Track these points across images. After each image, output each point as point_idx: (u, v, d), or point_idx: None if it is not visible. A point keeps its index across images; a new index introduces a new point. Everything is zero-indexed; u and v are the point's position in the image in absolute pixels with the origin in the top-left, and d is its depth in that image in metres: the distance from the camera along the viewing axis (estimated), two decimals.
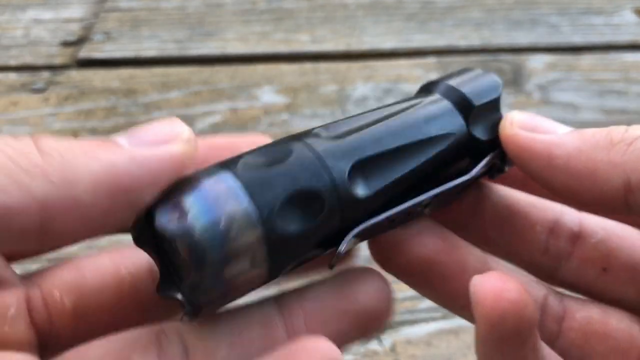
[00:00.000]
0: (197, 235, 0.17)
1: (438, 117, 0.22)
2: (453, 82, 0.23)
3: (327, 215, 0.19)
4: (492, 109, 0.23)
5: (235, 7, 0.64)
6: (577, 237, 0.23)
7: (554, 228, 0.23)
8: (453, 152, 0.22)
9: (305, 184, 0.19)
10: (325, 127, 0.21)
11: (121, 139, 0.18)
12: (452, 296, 0.23)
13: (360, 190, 0.20)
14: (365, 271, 0.21)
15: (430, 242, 0.22)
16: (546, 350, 0.22)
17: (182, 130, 0.19)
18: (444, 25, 0.61)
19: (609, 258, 0.23)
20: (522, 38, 0.60)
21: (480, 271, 0.22)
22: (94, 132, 0.51)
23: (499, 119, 0.23)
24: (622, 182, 0.19)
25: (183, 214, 0.17)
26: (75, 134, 0.51)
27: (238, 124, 0.52)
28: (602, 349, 0.23)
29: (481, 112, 0.23)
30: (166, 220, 0.17)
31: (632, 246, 0.23)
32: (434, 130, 0.22)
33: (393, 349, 0.38)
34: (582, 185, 0.20)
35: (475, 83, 0.23)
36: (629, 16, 0.62)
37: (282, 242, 0.18)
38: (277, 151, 0.19)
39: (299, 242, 0.19)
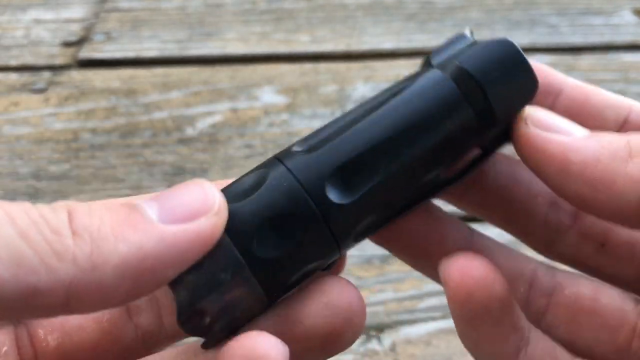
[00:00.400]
0: (211, 329, 0.18)
1: (432, 102, 0.20)
2: (473, 69, 0.20)
3: (313, 237, 0.19)
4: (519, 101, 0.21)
5: (236, 8, 0.64)
6: (577, 211, 0.23)
7: (555, 200, 0.23)
8: (451, 140, 0.20)
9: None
10: (304, 140, 0.20)
11: (151, 209, 0.17)
12: (434, 268, 0.23)
13: (344, 197, 0.19)
14: (318, 284, 0.19)
15: (414, 215, 0.22)
16: (532, 332, 0.22)
17: (214, 199, 0.18)
18: (443, 25, 0.61)
19: (608, 234, 0.23)
20: (522, 38, 0.60)
21: (463, 245, 0.23)
22: (94, 132, 0.51)
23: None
24: (638, 198, 0.19)
25: (202, 319, 0.18)
26: (75, 133, 0.51)
27: (238, 124, 0.52)
28: (590, 325, 0.23)
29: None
30: (188, 325, 0.18)
31: None
32: (429, 117, 0.20)
33: (393, 348, 0.38)
34: (596, 195, 0.19)
35: (504, 81, 0.20)
36: (628, 16, 0.62)
37: (280, 289, 0.19)
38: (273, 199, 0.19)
39: (294, 272, 0.19)
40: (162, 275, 0.17)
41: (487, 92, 0.20)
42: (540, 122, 0.21)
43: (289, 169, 0.19)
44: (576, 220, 0.23)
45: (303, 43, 0.60)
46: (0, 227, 0.15)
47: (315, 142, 0.20)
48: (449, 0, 0.64)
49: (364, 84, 0.55)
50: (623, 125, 0.23)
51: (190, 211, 0.17)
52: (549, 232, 0.24)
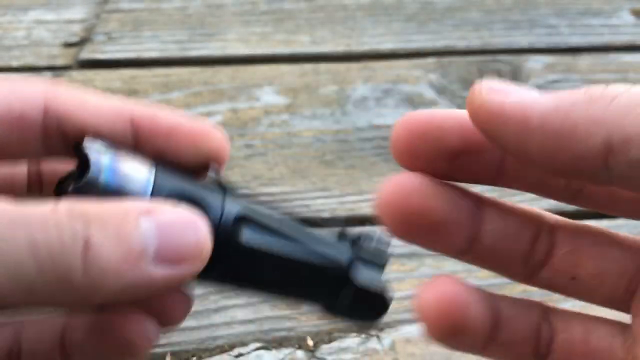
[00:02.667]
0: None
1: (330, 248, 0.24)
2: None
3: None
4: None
5: (236, 8, 0.65)
6: (551, 247, 0.23)
7: (535, 237, 0.23)
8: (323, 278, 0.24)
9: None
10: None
11: (152, 244, 0.19)
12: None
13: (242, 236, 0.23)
14: None
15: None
16: None
17: (203, 248, 0.20)
18: (443, 26, 0.61)
19: (576, 268, 0.23)
20: (521, 39, 0.60)
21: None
22: None
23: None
24: (602, 141, 0.19)
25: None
26: None
27: (238, 124, 0.53)
28: None
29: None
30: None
31: (599, 256, 0.23)
32: (322, 250, 0.24)
33: (392, 347, 0.39)
34: (559, 145, 0.19)
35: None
36: (627, 17, 0.62)
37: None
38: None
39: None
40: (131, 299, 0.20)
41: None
42: (495, 89, 0.21)
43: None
44: (548, 259, 0.23)
45: (303, 44, 0.60)
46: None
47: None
48: (448, 0, 0.64)
49: (364, 85, 0.56)
50: None
51: (181, 256, 0.20)
52: (529, 269, 0.24)
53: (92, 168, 0.21)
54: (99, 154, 0.21)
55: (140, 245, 0.19)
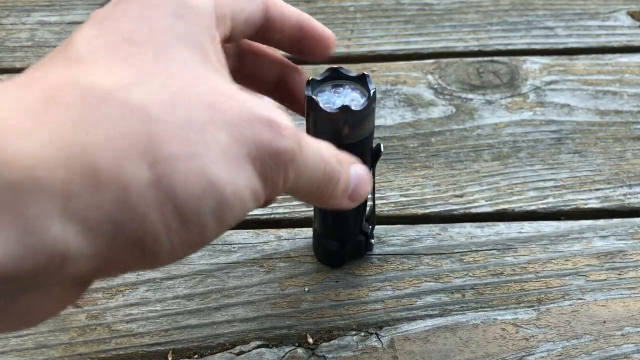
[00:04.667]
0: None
1: None
2: None
3: None
4: None
5: None
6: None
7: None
8: None
9: None
10: None
11: (350, 187, 0.33)
12: None
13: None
14: None
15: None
16: None
17: (367, 193, 0.35)
18: (441, 28, 0.62)
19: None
20: (518, 41, 0.60)
21: None
22: None
23: None
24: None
25: None
26: None
27: None
28: None
29: None
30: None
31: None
32: None
33: (391, 345, 0.39)
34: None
35: None
36: (623, 19, 0.63)
37: None
38: None
39: None
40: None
41: None
42: None
43: None
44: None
45: None
46: None
47: None
48: (446, 3, 0.65)
49: None
50: None
51: (358, 198, 0.32)
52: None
53: (372, 97, 0.34)
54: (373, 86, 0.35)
55: (349, 185, 0.31)
